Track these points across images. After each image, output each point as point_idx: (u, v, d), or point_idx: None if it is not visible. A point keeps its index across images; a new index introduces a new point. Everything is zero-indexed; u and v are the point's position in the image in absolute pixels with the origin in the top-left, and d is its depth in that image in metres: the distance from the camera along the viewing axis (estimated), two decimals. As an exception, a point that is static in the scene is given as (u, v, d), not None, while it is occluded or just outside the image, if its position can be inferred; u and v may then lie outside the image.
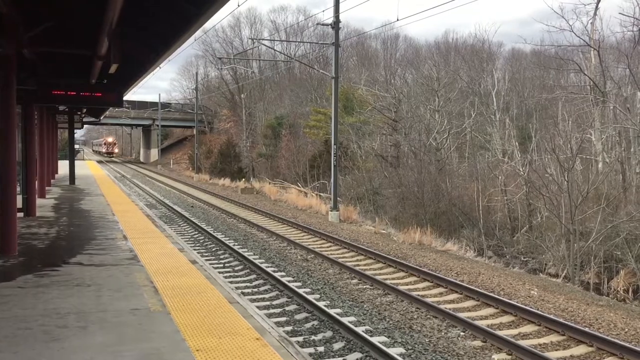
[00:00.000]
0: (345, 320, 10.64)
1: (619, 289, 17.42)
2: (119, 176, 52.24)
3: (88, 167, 51.90)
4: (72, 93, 16.92)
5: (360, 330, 10.05)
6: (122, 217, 17.87)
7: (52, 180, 31.34)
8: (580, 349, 9.72)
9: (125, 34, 10.86)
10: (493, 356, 9.18)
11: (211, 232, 21.08)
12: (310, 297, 12.16)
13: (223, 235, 20.51)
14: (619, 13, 43.62)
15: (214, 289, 9.35)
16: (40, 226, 15.63)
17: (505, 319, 11.34)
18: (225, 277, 13.56)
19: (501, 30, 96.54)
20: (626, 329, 10.82)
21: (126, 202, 23.50)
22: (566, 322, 10.65)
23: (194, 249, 16.80)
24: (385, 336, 10.06)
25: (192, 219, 24.50)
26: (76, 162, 34.88)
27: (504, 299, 12.31)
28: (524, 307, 11.66)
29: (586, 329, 10.39)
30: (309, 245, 19.07)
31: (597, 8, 28.39)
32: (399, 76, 67.79)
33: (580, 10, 42.30)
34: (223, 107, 77.81)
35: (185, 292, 8.99)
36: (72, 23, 11.51)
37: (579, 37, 29.17)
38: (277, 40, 68.31)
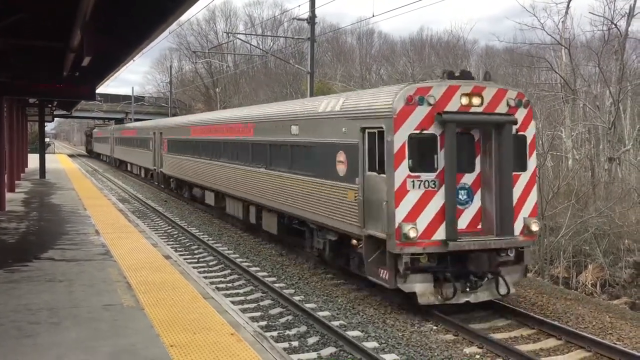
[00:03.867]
0: (319, 315, 10.71)
1: (587, 283, 17.81)
2: (90, 170, 51.54)
3: (59, 161, 51.10)
4: (44, 85, 16.67)
5: (334, 324, 10.13)
6: (94, 212, 17.68)
7: (21, 174, 30.82)
8: (550, 342, 9.93)
9: (98, 27, 10.73)
10: (464, 349, 9.32)
11: (185, 227, 20.95)
12: (284, 292, 12.21)
13: (197, 230, 20.41)
14: (589, 12, 44.40)
15: (188, 284, 9.33)
16: (10, 221, 15.40)
17: (477, 313, 11.49)
18: (200, 273, 13.51)
19: (475, 27, 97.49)
20: (594, 322, 11.07)
21: (98, 196, 23.24)
22: (536, 316, 10.85)
23: (168, 244, 16.71)
24: (360, 330, 10.15)
25: (165, 213, 24.30)
26: (47, 156, 34.33)
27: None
28: (495, 301, 11.83)
29: (555, 323, 10.60)
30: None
31: (568, 7, 28.87)
32: (374, 72, 68.02)
33: (551, 9, 42.96)
34: (198, 101, 77.25)
35: (159, 288, 8.96)
36: (45, 15, 11.33)
37: (550, 35, 29.62)
38: (252, 35, 67.96)
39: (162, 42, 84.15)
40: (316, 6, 26.42)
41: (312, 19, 26.57)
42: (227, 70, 67.24)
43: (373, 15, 65.73)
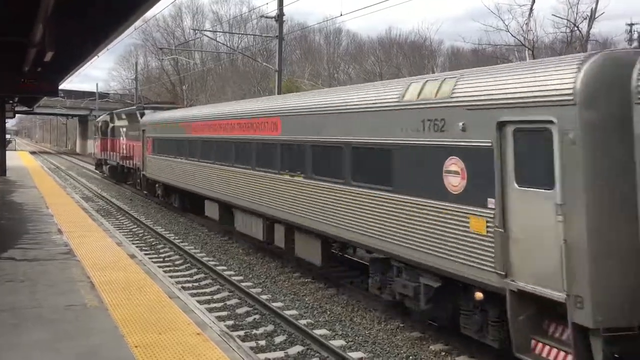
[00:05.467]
0: (286, 313, 10.69)
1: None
2: (53, 168, 50.51)
3: (20, 158, 49.95)
4: (4, 81, 16.26)
5: (301, 323, 10.13)
6: (57, 211, 17.33)
7: (-19, 172, 30.00)
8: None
9: (61, 21, 10.52)
10: (430, 347, 9.41)
11: (150, 225, 20.69)
12: (251, 291, 12.16)
13: (163, 229, 20.18)
14: (552, 15, 45.23)
15: (153, 283, 9.23)
16: (-31, 219, 14.99)
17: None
18: (165, 272, 13.36)
19: (441, 28, 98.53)
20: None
21: (61, 194, 22.79)
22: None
23: (133, 243, 16.47)
24: (327, 329, 10.17)
25: (131, 212, 23.97)
26: (7, 153, 33.50)
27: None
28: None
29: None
30: (252, 239, 18.96)
31: (531, 9, 29.37)
32: (342, 71, 68.23)
33: (515, 11, 43.85)
34: (164, 98, 76.31)
35: (123, 287, 8.84)
36: (3, 8, 11.05)
37: (514, 37, 30.16)
38: (219, 32, 67.53)
39: (127, 38, 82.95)
40: (284, 4, 26.38)
41: (280, 17, 26.51)
42: (194, 67, 66.59)
43: (341, 14, 66.46)
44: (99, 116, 46.88)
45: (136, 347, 6.32)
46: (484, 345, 8.83)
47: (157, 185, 25.00)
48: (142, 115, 27.79)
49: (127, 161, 30.99)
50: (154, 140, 24.55)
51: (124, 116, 33.39)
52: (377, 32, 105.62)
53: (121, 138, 32.81)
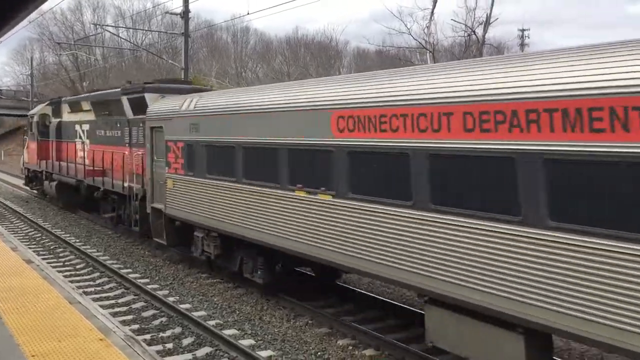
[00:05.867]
0: (194, 315, 10.55)
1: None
2: (-62, 169, 46.95)
3: None
4: None
5: (210, 324, 10.03)
6: (-57, 215, 16.18)
7: None
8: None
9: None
10: (338, 342, 9.60)
11: (49, 228, 19.72)
12: (158, 294, 11.90)
13: (63, 232, 19.30)
14: (451, 19, 47.28)
15: (52, 289, 8.84)
16: None
17: (348, 307, 11.74)
18: (66, 277, 12.82)
19: (347, 29, 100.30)
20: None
21: (-52, 197, 21.27)
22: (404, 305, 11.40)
23: (30, 248, 15.66)
24: (236, 329, 10.13)
25: (26, 214, 22.73)
26: None
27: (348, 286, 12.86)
28: (365, 292, 12.24)
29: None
30: (158, 240, 18.49)
31: (432, 13, 30.56)
32: (250, 70, 67.93)
33: (417, 15, 45.49)
34: (63, 95, 72.92)
35: (19, 294, 8.40)
36: None
37: (416, 39, 31.27)
38: (122, 27, 65.24)
39: (22, 31, 78.38)
40: (190, 1, 25.94)
41: (185, 14, 26.06)
42: (95, 63, 63.96)
43: (248, 13, 66.06)
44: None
45: (33, 356, 6.03)
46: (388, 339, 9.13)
47: (198, 235, 12.92)
48: (137, 102, 16.49)
49: (100, 179, 19.10)
50: (192, 148, 12.55)
51: (86, 106, 21.07)
52: (284, 32, 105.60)
53: (79, 140, 21.69)
